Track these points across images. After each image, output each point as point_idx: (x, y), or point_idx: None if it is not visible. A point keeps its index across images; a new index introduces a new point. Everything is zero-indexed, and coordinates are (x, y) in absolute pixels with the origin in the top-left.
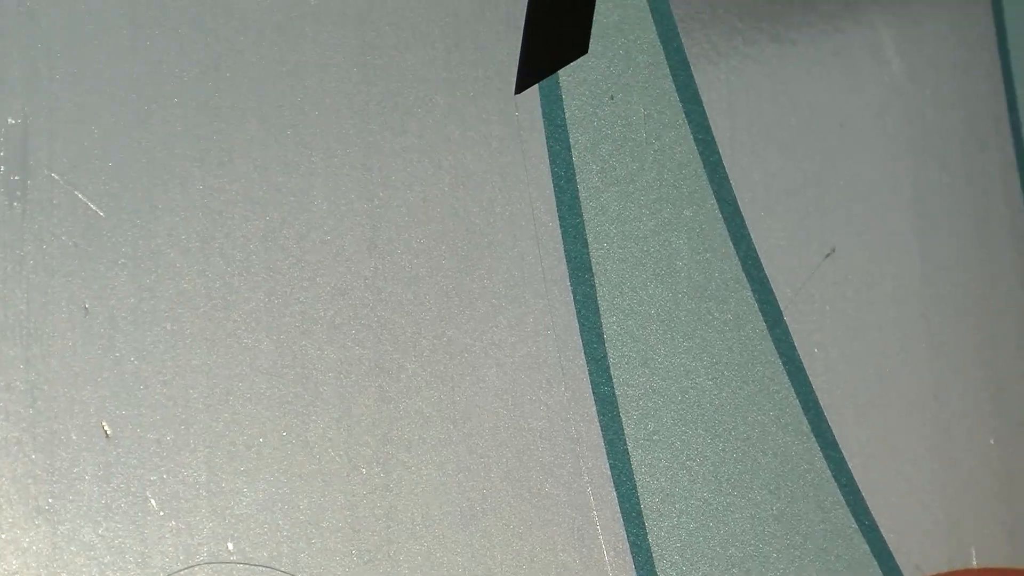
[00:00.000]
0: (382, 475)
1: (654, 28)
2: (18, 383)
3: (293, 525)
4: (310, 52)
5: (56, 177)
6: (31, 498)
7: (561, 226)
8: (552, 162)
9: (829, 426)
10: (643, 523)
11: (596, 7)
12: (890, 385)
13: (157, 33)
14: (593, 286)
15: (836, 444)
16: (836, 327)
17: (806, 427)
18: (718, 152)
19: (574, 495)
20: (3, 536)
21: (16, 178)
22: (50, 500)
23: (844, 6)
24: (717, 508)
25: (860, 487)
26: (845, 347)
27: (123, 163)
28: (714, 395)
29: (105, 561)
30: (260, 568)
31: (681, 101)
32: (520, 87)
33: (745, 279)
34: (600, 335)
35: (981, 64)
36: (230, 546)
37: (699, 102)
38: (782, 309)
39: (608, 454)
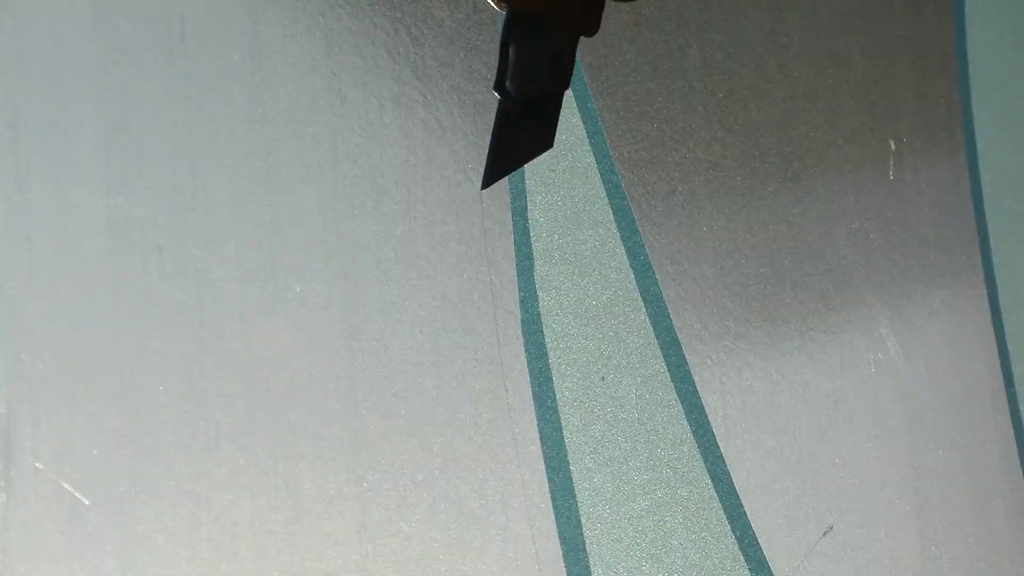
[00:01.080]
0: None
1: (644, 308)
2: None
3: None
4: (296, 338)
5: (40, 466)
6: None
7: (554, 507)
8: (544, 443)
9: None
10: None
11: (583, 288)
12: None
13: (140, 319)
14: (588, 566)
15: None
16: None
17: None
18: (711, 431)
19: None
20: None
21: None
22: None
23: (836, 285)
24: None
25: None
26: None
27: (107, 450)
28: None
29: None
30: None
31: (672, 381)
32: (487, 183)
33: (742, 558)
34: None
35: (976, 341)
36: None
37: (691, 381)
38: None
39: None
